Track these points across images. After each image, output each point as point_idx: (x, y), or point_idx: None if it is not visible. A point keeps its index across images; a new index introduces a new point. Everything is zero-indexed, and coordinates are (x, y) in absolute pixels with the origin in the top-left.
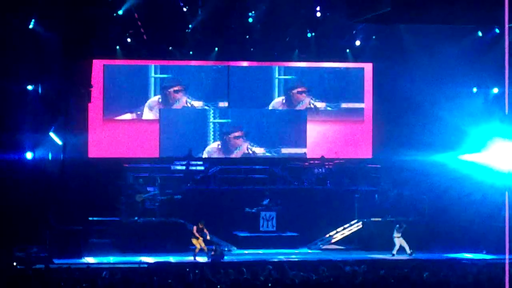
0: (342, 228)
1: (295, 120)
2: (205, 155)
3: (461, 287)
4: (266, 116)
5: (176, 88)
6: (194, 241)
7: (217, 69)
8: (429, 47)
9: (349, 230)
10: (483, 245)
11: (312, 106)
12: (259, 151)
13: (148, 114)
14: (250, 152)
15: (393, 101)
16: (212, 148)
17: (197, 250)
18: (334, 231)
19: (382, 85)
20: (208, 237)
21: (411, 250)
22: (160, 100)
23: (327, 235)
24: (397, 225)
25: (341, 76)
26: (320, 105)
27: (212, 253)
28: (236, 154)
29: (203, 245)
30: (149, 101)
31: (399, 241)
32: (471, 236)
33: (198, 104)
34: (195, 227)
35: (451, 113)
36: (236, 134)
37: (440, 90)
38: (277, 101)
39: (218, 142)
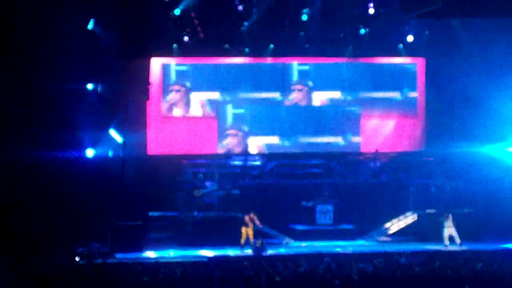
0: (397, 220)
1: (350, 114)
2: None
3: None
4: (320, 111)
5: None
6: (243, 229)
7: (273, 65)
8: (482, 40)
9: (404, 222)
10: None
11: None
12: (314, 140)
13: (204, 110)
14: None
15: (446, 94)
16: (270, 140)
17: (242, 240)
18: (390, 223)
19: (435, 79)
20: (259, 225)
21: (460, 241)
22: (217, 96)
23: (383, 227)
24: (441, 216)
25: (394, 71)
26: (375, 95)
27: (257, 245)
28: (290, 147)
29: (250, 234)
30: (206, 98)
31: (448, 231)
32: None
33: (255, 98)
34: (246, 217)
35: (504, 106)
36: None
37: (493, 83)
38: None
39: (277, 136)
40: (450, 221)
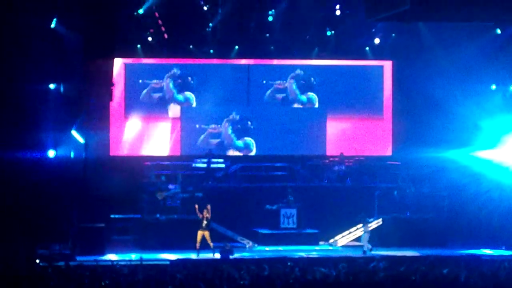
0: (361, 225)
1: (315, 117)
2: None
3: (480, 282)
4: (285, 113)
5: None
6: (199, 232)
7: (238, 67)
8: (448, 44)
9: (369, 227)
10: (502, 241)
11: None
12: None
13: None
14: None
15: (412, 98)
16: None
17: (198, 244)
18: (354, 228)
19: (402, 82)
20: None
21: (368, 249)
22: (179, 97)
23: (347, 232)
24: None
25: (360, 73)
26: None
27: (226, 248)
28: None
29: (207, 237)
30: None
31: (367, 235)
32: (490, 232)
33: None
34: (200, 214)
35: (470, 110)
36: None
37: (459, 87)
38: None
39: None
40: (368, 225)
